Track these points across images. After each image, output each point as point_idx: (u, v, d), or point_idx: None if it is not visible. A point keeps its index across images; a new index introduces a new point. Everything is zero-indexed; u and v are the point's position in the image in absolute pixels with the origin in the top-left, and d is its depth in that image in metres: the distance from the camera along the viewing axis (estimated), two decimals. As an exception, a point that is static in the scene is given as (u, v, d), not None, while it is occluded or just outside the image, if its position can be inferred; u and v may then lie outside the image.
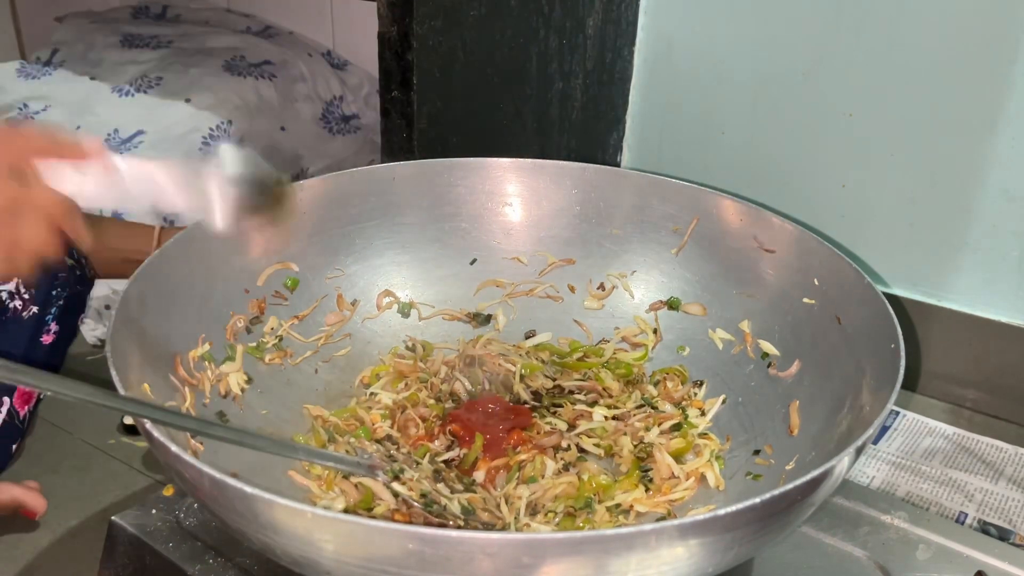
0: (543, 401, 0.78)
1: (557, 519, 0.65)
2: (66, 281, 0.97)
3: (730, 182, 1.10)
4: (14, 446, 0.92)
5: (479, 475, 0.69)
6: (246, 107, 1.36)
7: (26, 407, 0.93)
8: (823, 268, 0.74)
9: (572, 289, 0.88)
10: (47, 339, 0.97)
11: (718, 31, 1.10)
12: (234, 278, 0.77)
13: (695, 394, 0.78)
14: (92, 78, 1.38)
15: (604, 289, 0.87)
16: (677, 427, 0.74)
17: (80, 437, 1.00)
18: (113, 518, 0.68)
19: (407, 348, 0.84)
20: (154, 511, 0.68)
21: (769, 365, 0.76)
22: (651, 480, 0.70)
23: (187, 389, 0.69)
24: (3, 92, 1.36)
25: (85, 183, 0.57)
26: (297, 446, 0.68)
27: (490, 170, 0.88)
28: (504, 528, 0.64)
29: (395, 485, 0.64)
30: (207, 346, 0.72)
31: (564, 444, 0.73)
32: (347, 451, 0.71)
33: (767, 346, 0.77)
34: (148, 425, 0.52)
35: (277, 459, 0.65)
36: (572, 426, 0.75)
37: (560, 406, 0.77)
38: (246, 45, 1.49)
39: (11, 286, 0.91)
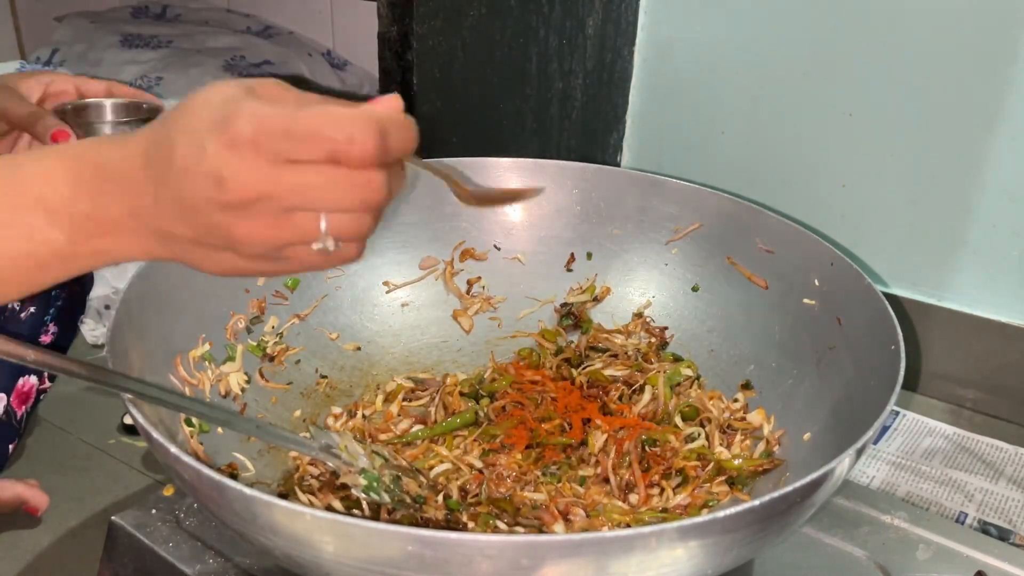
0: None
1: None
2: (65, 282, 0.97)
3: (730, 182, 1.10)
4: (11, 446, 0.92)
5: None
6: (246, 107, 1.36)
7: (24, 407, 0.92)
8: (823, 268, 0.74)
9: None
10: (45, 339, 0.96)
11: (718, 31, 1.10)
12: (234, 278, 0.77)
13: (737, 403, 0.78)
14: (92, 78, 1.37)
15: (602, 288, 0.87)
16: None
17: (80, 437, 1.00)
18: (113, 518, 0.68)
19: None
20: (154, 511, 0.68)
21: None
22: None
23: (187, 389, 0.69)
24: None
25: None
26: (260, 424, 0.66)
27: (490, 170, 0.87)
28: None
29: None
30: (207, 346, 0.72)
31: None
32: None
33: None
34: (147, 425, 0.52)
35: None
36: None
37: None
38: (246, 45, 1.49)
39: None
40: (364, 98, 0.46)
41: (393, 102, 0.45)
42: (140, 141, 0.45)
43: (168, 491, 0.70)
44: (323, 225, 0.43)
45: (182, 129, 0.43)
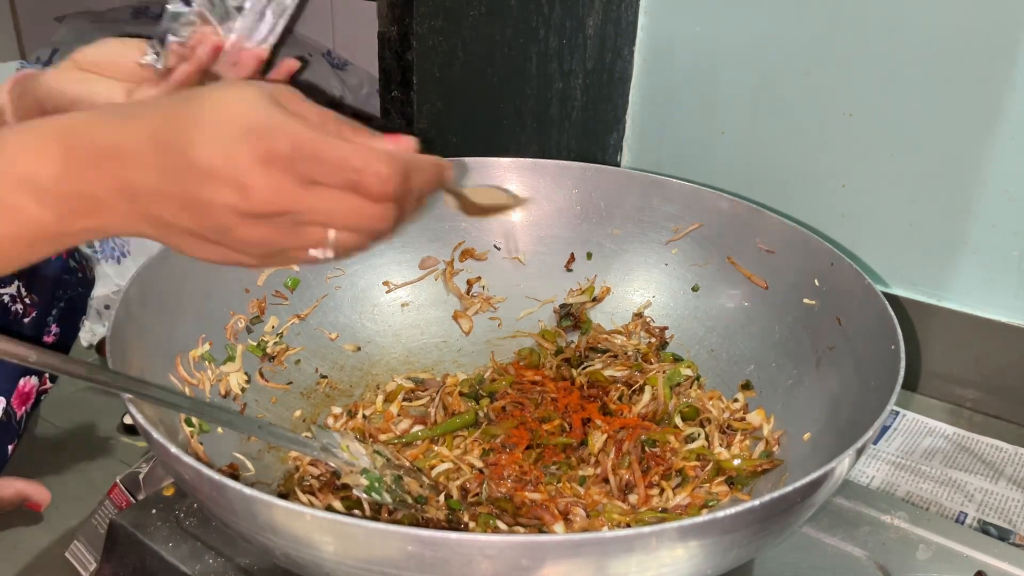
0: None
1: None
2: (68, 283, 0.97)
3: (730, 182, 1.10)
4: (10, 447, 0.92)
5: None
6: (246, 107, 1.36)
7: (24, 407, 0.92)
8: (823, 268, 0.74)
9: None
10: (48, 339, 0.97)
11: (718, 31, 1.10)
12: (234, 278, 0.77)
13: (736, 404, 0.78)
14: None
15: (602, 288, 0.87)
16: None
17: (80, 437, 1.00)
18: (113, 518, 0.68)
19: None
20: (154, 511, 0.68)
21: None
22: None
23: (187, 389, 0.69)
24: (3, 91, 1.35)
25: None
26: (262, 423, 0.66)
27: (490, 170, 0.88)
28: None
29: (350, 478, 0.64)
30: (207, 346, 0.73)
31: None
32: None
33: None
34: (147, 425, 0.52)
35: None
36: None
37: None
38: (246, 45, 1.48)
39: (12, 289, 0.91)
40: (369, 120, 0.47)
41: (407, 143, 0.48)
42: (146, 123, 0.43)
43: (168, 491, 0.70)
44: (331, 237, 0.45)
45: (203, 126, 0.42)
